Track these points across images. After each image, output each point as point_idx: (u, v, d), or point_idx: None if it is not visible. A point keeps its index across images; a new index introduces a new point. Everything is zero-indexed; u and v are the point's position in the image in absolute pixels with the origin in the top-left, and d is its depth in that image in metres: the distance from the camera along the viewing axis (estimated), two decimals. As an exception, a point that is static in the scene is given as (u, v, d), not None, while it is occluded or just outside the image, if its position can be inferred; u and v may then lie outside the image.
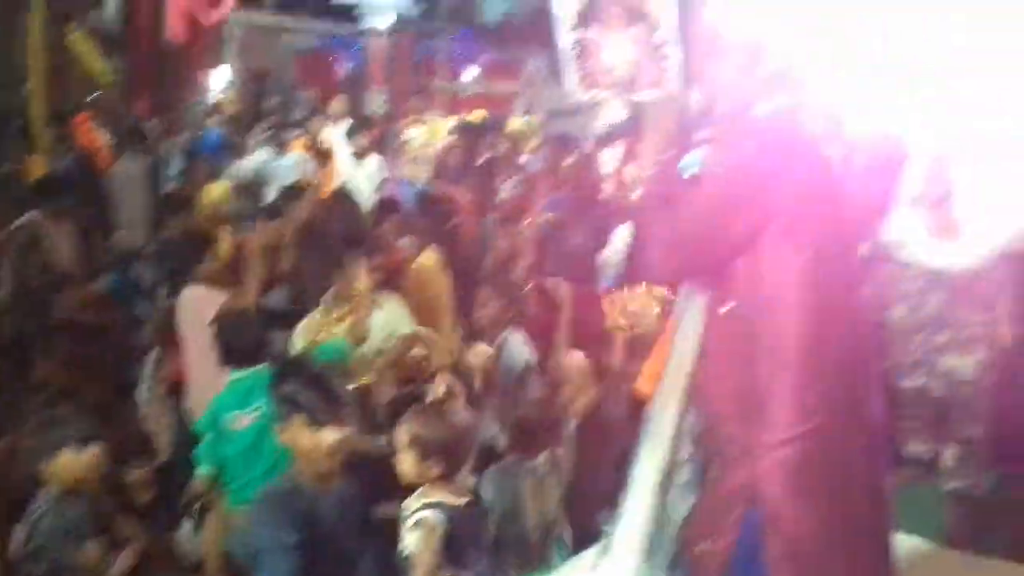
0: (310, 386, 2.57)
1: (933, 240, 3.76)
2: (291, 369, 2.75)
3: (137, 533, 3.31)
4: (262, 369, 3.54)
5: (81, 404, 3.60)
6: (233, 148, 8.20)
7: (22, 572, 2.92)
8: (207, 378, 4.35)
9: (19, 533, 2.92)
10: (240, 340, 3.67)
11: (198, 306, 4.40)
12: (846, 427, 2.14)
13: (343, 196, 6.10)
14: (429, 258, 4.97)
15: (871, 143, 2.23)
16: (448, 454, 2.51)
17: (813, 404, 2.11)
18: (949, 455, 3.80)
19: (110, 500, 3.32)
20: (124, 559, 3.08)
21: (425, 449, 2.50)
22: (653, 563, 2.38)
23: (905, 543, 3.33)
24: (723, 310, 2.22)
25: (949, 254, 3.70)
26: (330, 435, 2.51)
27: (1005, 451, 3.99)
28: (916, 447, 4.00)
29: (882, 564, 2.23)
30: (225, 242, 4.59)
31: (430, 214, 5.40)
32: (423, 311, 4.60)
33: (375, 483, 2.74)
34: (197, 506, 3.90)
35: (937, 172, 3.70)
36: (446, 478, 2.52)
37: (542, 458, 3.49)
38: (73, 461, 3.04)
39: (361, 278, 3.96)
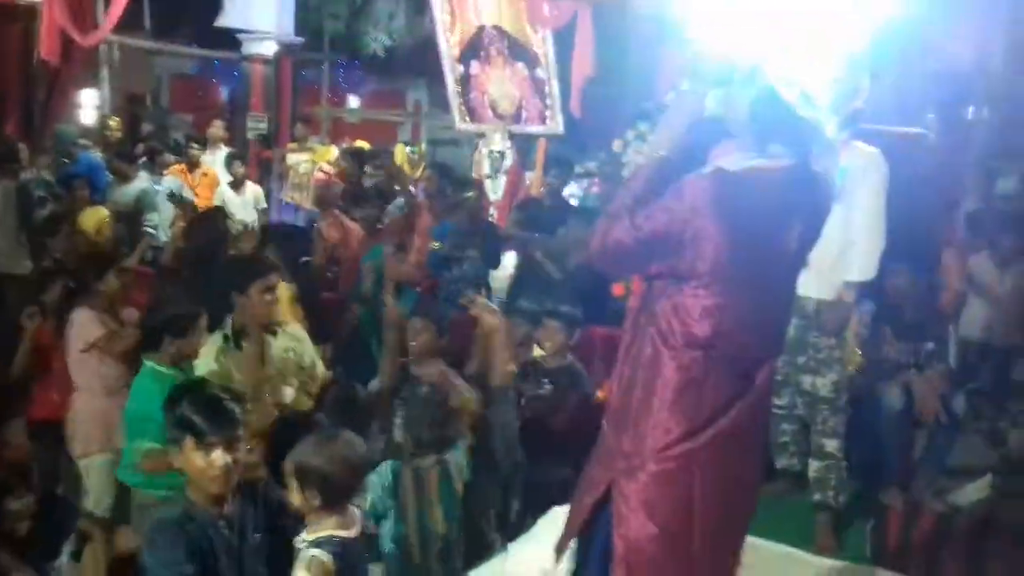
0: (202, 408, 2.56)
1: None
2: (184, 391, 2.69)
3: (17, 564, 3.22)
4: None
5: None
6: (110, 172, 7.98)
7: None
8: (81, 398, 4.31)
9: None
10: None
11: (85, 331, 4.32)
12: (706, 459, 2.30)
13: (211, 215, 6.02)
14: (284, 290, 4.88)
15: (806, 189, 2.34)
16: (328, 486, 2.45)
17: (670, 440, 2.29)
18: (813, 468, 4.06)
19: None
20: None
21: (305, 479, 2.46)
22: None
23: (777, 551, 3.59)
24: (641, 319, 2.39)
25: (801, 283, 3.95)
26: (220, 458, 2.50)
27: (861, 464, 4.32)
28: (785, 461, 4.26)
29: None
30: (119, 273, 4.47)
31: (285, 248, 5.30)
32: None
33: (271, 509, 2.72)
34: (74, 537, 3.82)
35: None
36: (330, 509, 2.47)
37: (430, 460, 3.61)
38: None
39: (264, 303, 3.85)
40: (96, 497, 4.22)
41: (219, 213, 6.23)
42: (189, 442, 2.51)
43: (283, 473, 2.53)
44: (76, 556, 3.78)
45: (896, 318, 4.86)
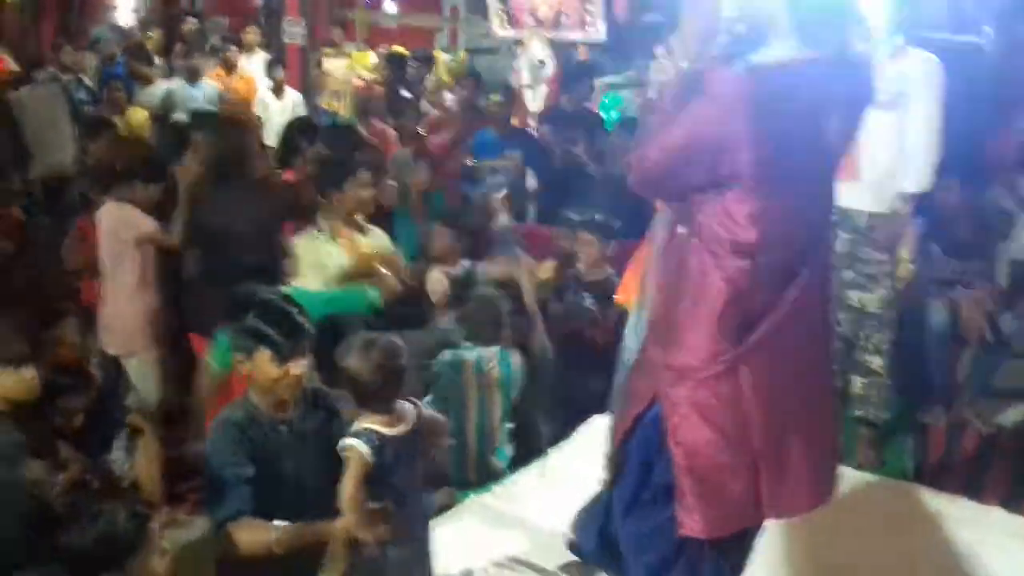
0: (277, 321, 2.58)
1: (839, 182, 3.95)
2: (250, 303, 2.70)
3: (75, 456, 3.32)
4: None
5: (7, 328, 3.52)
6: (130, 74, 7.90)
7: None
8: (119, 297, 4.37)
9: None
10: None
11: (116, 224, 4.33)
12: (750, 359, 2.29)
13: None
14: None
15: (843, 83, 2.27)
16: (359, 388, 2.49)
17: (718, 350, 2.29)
18: (856, 385, 4.05)
19: (44, 424, 3.31)
20: (66, 478, 3.09)
21: (343, 380, 2.51)
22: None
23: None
24: (680, 229, 2.36)
25: (852, 196, 3.88)
26: (295, 367, 2.54)
27: (904, 382, 4.30)
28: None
29: (781, 489, 2.37)
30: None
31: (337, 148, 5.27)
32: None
33: (330, 412, 2.77)
34: (127, 431, 3.92)
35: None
36: (365, 409, 2.50)
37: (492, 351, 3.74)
38: (11, 380, 3.02)
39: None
40: (140, 394, 4.34)
41: (247, 119, 6.16)
42: (265, 353, 2.54)
43: None
44: (129, 450, 3.87)
45: (945, 235, 4.77)
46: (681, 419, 2.34)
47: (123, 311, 4.38)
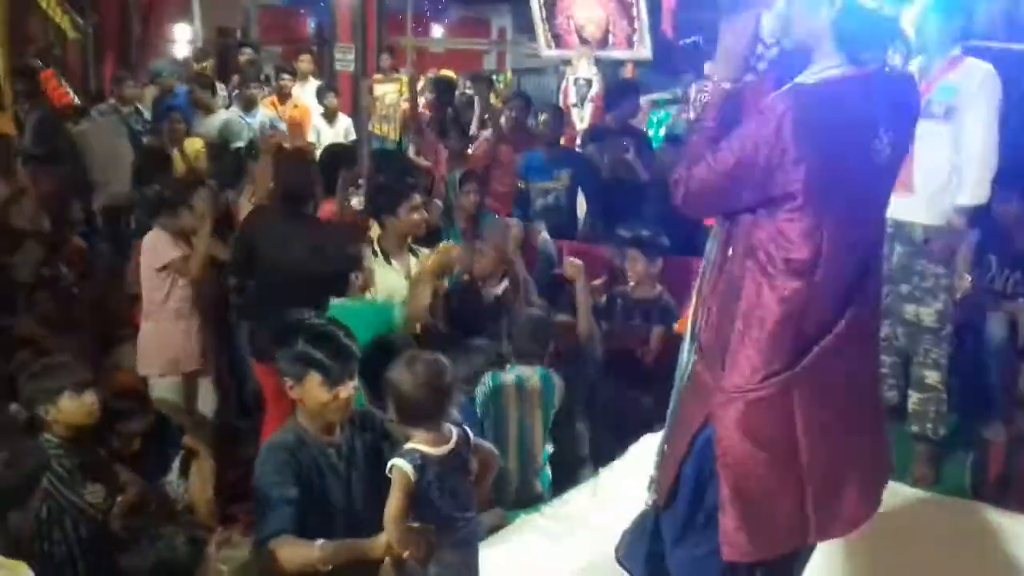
0: (327, 346, 2.62)
1: (894, 195, 3.89)
2: (301, 327, 2.76)
3: (134, 479, 3.40)
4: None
5: (70, 354, 3.63)
6: (192, 103, 8.09)
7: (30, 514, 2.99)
8: (151, 320, 4.42)
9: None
10: None
11: (147, 251, 4.43)
12: (803, 381, 2.26)
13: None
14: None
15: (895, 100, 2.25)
16: (405, 405, 2.49)
17: (769, 371, 2.25)
18: (913, 400, 3.96)
19: (103, 448, 3.40)
20: (124, 501, 3.17)
21: (389, 397, 2.52)
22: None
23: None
24: (729, 252, 2.35)
25: (907, 209, 3.83)
26: (344, 391, 2.58)
27: (962, 396, 4.20)
28: (883, 393, 4.16)
29: (829, 511, 2.33)
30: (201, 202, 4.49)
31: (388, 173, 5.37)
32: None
33: (377, 434, 2.80)
34: (182, 454, 4.00)
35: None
36: (412, 427, 2.51)
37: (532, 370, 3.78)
38: (74, 405, 3.11)
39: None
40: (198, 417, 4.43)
41: (309, 152, 6.27)
42: (315, 378, 2.57)
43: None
44: (184, 471, 3.95)
45: (1003, 246, 4.65)
46: (731, 441, 2.31)
47: (148, 335, 4.44)
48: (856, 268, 2.29)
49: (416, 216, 4.17)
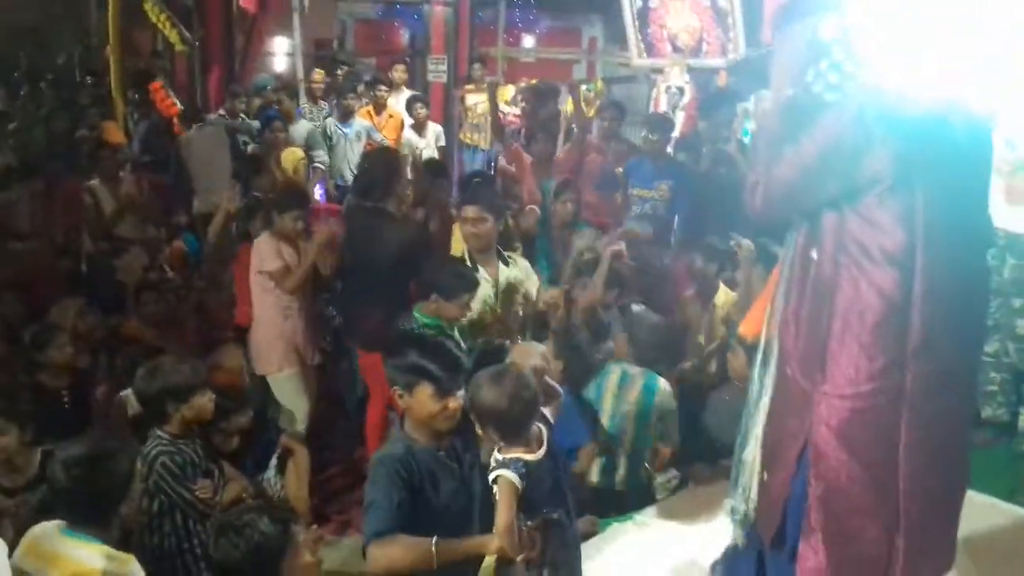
0: (438, 357, 2.63)
1: (1008, 205, 3.75)
2: (411, 341, 2.80)
3: (235, 475, 3.50)
4: None
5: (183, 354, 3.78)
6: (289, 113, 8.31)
7: (141, 507, 3.09)
8: (263, 320, 4.56)
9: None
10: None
11: (254, 256, 4.55)
12: (913, 394, 2.18)
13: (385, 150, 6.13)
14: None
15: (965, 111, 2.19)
16: (503, 423, 2.49)
17: (874, 370, 2.18)
18: (1024, 418, 3.80)
19: (208, 445, 3.51)
20: (227, 496, 3.27)
21: (481, 417, 2.52)
22: (733, 494, 2.56)
23: (980, 502, 3.40)
24: (813, 254, 2.29)
25: (1022, 219, 3.69)
26: (455, 401, 2.58)
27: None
28: (992, 411, 4.00)
29: (917, 528, 2.24)
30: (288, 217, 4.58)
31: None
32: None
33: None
34: (279, 452, 4.10)
35: (1012, 137, 3.69)
36: (507, 442, 2.51)
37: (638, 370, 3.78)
38: (202, 403, 3.23)
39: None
40: (287, 413, 4.53)
41: (393, 150, 6.35)
42: (425, 388, 2.59)
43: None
44: (281, 469, 4.05)
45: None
46: (827, 449, 2.24)
47: (262, 333, 4.59)
48: (964, 269, 2.20)
49: (470, 228, 4.17)
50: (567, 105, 9.71)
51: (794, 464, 2.35)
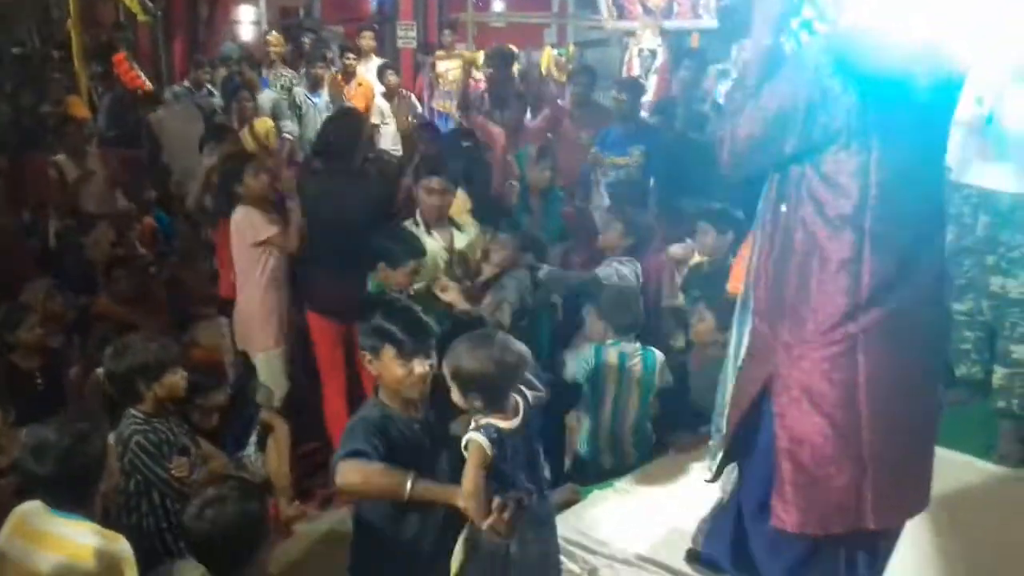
0: (400, 320, 2.62)
1: (981, 162, 3.76)
2: (378, 303, 2.77)
3: (214, 452, 3.47)
4: None
5: (155, 332, 3.72)
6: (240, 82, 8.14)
7: (118, 487, 3.06)
8: (251, 296, 4.51)
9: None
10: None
11: (242, 228, 4.49)
12: (869, 343, 2.21)
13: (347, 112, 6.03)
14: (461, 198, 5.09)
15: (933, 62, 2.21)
16: (487, 388, 2.46)
17: (830, 321, 2.22)
18: (998, 375, 3.83)
19: (186, 422, 3.47)
20: (211, 469, 3.24)
21: (464, 384, 2.47)
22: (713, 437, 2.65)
23: (956, 460, 3.46)
24: (783, 207, 2.31)
25: (997, 176, 3.69)
26: (419, 366, 2.56)
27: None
28: (966, 369, 4.03)
29: (884, 474, 2.27)
30: (256, 173, 4.55)
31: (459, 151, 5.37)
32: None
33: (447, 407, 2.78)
34: (258, 428, 4.07)
35: (986, 95, 3.69)
36: (489, 409, 2.48)
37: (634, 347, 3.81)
38: (174, 381, 3.19)
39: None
40: (266, 390, 4.49)
41: (356, 112, 6.24)
42: (389, 351, 2.57)
43: (443, 369, 2.55)
44: (261, 446, 4.02)
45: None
46: (791, 401, 2.28)
47: (256, 309, 4.54)
48: (919, 223, 2.23)
49: (431, 200, 4.26)
50: (543, 62, 9.63)
51: (746, 406, 2.43)
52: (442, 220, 4.33)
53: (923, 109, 2.20)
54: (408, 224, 4.30)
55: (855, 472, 2.25)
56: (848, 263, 2.19)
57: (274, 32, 8.94)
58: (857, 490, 2.25)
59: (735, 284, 3.45)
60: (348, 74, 8.28)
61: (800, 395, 2.26)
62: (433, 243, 4.22)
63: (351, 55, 8.46)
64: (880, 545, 2.44)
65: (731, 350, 2.55)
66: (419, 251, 3.96)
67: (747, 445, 2.51)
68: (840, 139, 2.14)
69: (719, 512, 2.85)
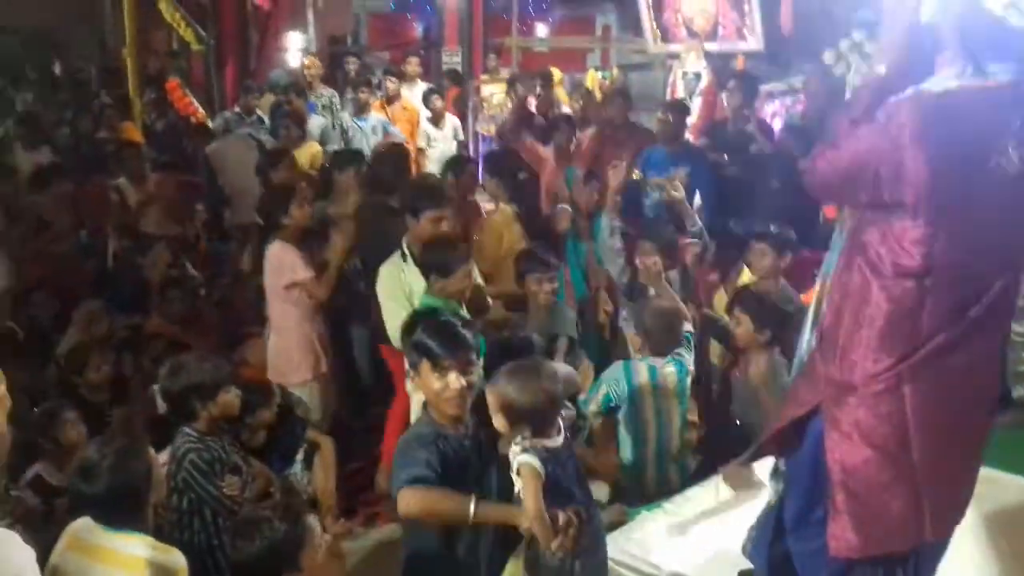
0: (436, 333, 2.63)
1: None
2: (419, 317, 2.79)
3: (262, 470, 3.51)
4: None
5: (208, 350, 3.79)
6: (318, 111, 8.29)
7: (171, 504, 3.12)
8: (282, 331, 4.49)
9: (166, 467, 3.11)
10: None
11: (275, 266, 4.47)
12: (916, 377, 2.21)
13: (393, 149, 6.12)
14: (503, 211, 5.13)
15: None
16: (537, 419, 2.45)
17: (878, 369, 2.21)
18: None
19: (234, 440, 3.52)
20: (255, 491, 3.28)
21: (514, 416, 2.46)
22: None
23: (1013, 483, 3.37)
24: (848, 249, 2.33)
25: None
26: (455, 380, 2.56)
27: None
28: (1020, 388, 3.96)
29: (944, 508, 2.27)
30: (300, 204, 4.53)
31: (502, 171, 5.38)
32: (498, 262, 4.83)
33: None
34: (305, 447, 4.11)
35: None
36: (538, 436, 2.46)
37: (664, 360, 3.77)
38: (229, 399, 3.24)
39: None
40: (305, 406, 4.51)
41: (400, 148, 6.31)
42: (426, 366, 2.59)
43: (488, 399, 2.54)
44: (307, 463, 4.06)
45: None
46: (841, 437, 2.29)
47: (289, 344, 4.51)
48: (981, 277, 2.20)
49: (432, 228, 4.12)
50: (588, 84, 9.66)
51: (788, 422, 2.47)
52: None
53: (1010, 182, 2.12)
54: (393, 259, 4.17)
55: (909, 493, 2.24)
56: (902, 316, 2.18)
57: (310, 55, 9.10)
58: (915, 511, 2.25)
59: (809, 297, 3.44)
60: (391, 98, 8.39)
61: (850, 430, 2.27)
62: (415, 275, 4.05)
63: (392, 79, 8.58)
64: (920, 562, 2.40)
65: (801, 349, 2.60)
66: (465, 254, 3.91)
67: (792, 454, 2.52)
68: (910, 209, 2.12)
69: (762, 518, 2.83)
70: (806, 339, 2.59)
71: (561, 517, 2.33)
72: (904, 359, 2.19)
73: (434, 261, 3.86)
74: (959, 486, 2.33)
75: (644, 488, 3.78)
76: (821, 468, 2.37)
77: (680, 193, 5.04)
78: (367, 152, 7.50)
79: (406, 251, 4.16)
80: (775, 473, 2.72)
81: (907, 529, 2.27)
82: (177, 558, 2.54)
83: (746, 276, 4.64)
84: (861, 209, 2.29)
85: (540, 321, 4.23)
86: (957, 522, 2.38)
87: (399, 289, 4.07)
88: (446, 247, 3.96)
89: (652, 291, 4.35)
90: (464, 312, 3.84)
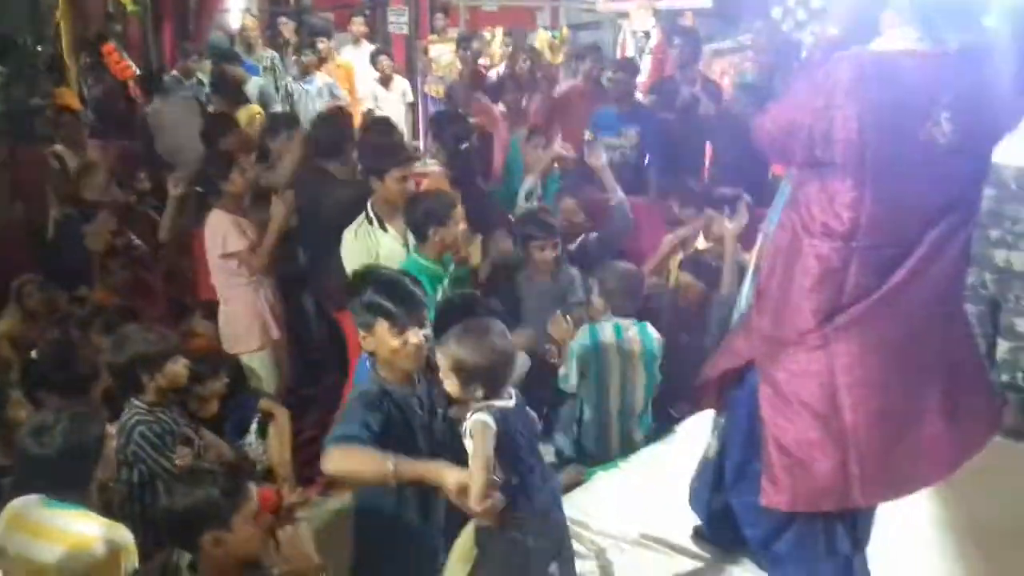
0: (391, 292, 2.60)
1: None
2: (367, 277, 2.74)
3: (215, 441, 3.46)
4: None
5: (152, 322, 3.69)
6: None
7: (121, 477, 3.05)
8: (230, 300, 4.40)
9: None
10: None
11: (210, 232, 4.38)
12: (843, 339, 2.24)
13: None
14: (434, 176, 5.00)
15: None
16: (490, 378, 2.40)
17: (809, 327, 2.26)
18: (1002, 349, 3.83)
19: (185, 412, 3.45)
20: (210, 458, 3.23)
21: (467, 376, 2.38)
22: None
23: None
24: (784, 207, 2.36)
25: (1002, 149, 3.67)
26: (413, 336, 2.55)
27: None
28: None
29: (869, 455, 2.29)
30: (242, 171, 4.43)
31: (443, 134, 5.27)
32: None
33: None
34: (259, 416, 4.05)
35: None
36: (491, 397, 2.41)
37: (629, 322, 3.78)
38: (176, 370, 3.17)
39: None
40: (263, 384, 4.45)
41: (345, 113, 6.17)
42: (382, 324, 2.56)
43: (438, 360, 2.48)
44: (262, 433, 4.00)
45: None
46: (773, 392, 2.33)
47: (237, 313, 4.44)
48: (910, 238, 2.21)
49: (399, 187, 4.02)
50: (538, 44, 9.55)
51: (723, 372, 2.55)
52: (396, 211, 4.01)
53: (943, 151, 2.13)
54: (359, 223, 4.04)
55: (839, 455, 2.28)
56: (830, 275, 2.21)
57: (251, 16, 8.87)
58: (844, 471, 2.28)
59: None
60: (321, 59, 8.18)
61: (781, 386, 2.32)
62: (389, 239, 3.99)
63: (323, 39, 8.38)
64: (859, 518, 2.45)
65: (739, 306, 2.65)
66: (456, 199, 3.81)
67: (729, 407, 2.60)
68: (842, 169, 2.14)
69: (701, 474, 2.88)
70: (745, 294, 2.63)
71: (497, 486, 2.27)
72: (830, 318, 2.23)
73: (430, 211, 3.68)
74: (898, 457, 2.32)
75: (607, 447, 3.79)
76: (757, 422, 2.41)
77: (599, 161, 4.94)
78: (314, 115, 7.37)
79: (372, 215, 4.04)
80: (715, 427, 2.77)
81: (835, 489, 2.30)
82: (124, 534, 2.48)
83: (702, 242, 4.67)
84: (798, 167, 2.31)
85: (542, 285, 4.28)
86: (904, 489, 2.40)
87: (367, 254, 3.94)
88: (436, 196, 3.85)
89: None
90: (453, 268, 3.80)
